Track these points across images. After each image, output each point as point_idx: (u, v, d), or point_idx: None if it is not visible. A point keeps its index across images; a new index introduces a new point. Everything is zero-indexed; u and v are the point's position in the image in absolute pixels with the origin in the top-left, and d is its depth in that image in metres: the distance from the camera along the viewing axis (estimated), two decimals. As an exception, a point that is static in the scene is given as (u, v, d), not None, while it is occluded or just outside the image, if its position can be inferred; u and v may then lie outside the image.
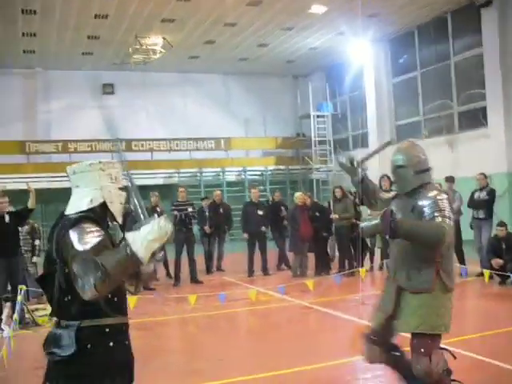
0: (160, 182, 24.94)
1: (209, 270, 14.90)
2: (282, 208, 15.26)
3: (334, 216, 13.61)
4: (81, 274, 2.82)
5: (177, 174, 25.41)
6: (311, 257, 14.04)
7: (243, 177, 26.74)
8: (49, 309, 9.48)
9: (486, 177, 12.89)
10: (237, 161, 26.96)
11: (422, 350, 4.40)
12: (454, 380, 4.62)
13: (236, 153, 27.34)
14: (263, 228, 14.38)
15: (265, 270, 14.22)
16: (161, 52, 22.03)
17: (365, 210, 14.14)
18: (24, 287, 9.17)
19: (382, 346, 4.76)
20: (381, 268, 13.47)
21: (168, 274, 14.11)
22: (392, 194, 5.13)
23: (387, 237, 4.55)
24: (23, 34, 20.11)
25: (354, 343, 5.17)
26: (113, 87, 26.48)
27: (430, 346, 4.41)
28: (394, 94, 23.87)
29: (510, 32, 18.06)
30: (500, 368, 6.06)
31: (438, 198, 4.48)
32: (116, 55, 23.37)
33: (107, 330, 3.13)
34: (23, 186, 10.86)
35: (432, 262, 4.45)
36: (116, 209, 3.31)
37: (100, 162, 3.33)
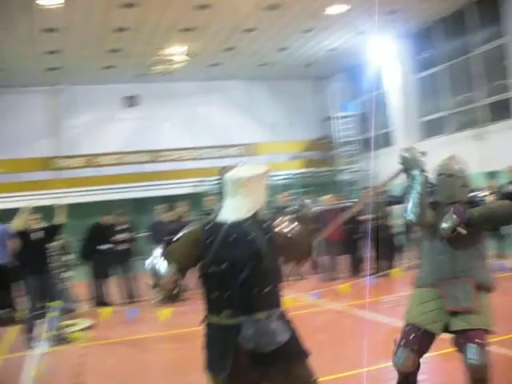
0: (187, 191, 24.95)
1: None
2: (312, 211, 15.10)
3: (365, 217, 13.41)
4: None
5: (204, 183, 25.38)
6: (343, 259, 13.91)
7: (271, 182, 26.59)
8: (81, 324, 9.55)
9: (516, 169, 12.66)
10: (264, 166, 26.82)
11: (481, 342, 4.44)
12: None
13: (263, 158, 27.22)
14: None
15: (297, 275, 14.11)
16: (182, 61, 22.06)
17: (395, 210, 14.03)
18: (57, 303, 9.18)
19: (420, 355, 4.69)
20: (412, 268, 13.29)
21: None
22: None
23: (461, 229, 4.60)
24: (44, 52, 20.27)
25: (390, 347, 5.00)
26: (137, 99, 26.59)
27: (486, 342, 4.49)
28: (418, 90, 23.64)
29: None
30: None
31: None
32: (138, 67, 23.41)
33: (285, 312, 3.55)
34: (53, 202, 10.91)
35: (486, 259, 4.79)
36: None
37: (260, 174, 3.63)
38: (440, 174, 4.91)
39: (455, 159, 5.02)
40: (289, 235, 3.48)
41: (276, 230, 3.46)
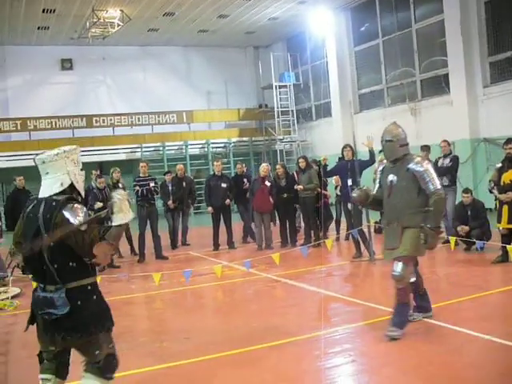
0: (122, 157, 24.63)
1: (174, 246, 14.74)
2: (245, 180, 15.04)
3: (298, 187, 13.43)
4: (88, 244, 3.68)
5: (139, 149, 25.05)
6: (276, 228, 14.00)
7: (206, 150, 26.53)
8: (8, 292, 9.32)
9: (449, 144, 12.85)
10: (199, 134, 26.71)
11: (403, 261, 6.11)
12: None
13: (198, 126, 27.07)
14: (227, 201, 14.19)
15: (230, 244, 14.11)
16: (119, 25, 21.58)
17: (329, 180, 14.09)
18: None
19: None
20: (347, 238, 13.42)
21: (132, 251, 13.94)
22: (379, 168, 6.80)
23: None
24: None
25: (321, 316, 5.06)
26: (71, 62, 25.94)
27: (407, 262, 6.14)
28: (356, 63, 23.79)
29: (470, -2, 18.05)
30: (467, 335, 6.05)
31: (428, 167, 6.18)
32: (73, 29, 22.83)
33: (89, 287, 3.95)
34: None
35: (421, 207, 6.17)
36: (80, 187, 4.12)
37: (64, 151, 4.02)
38: (382, 140, 6.46)
39: (394, 126, 6.54)
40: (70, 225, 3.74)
41: (64, 213, 3.79)
